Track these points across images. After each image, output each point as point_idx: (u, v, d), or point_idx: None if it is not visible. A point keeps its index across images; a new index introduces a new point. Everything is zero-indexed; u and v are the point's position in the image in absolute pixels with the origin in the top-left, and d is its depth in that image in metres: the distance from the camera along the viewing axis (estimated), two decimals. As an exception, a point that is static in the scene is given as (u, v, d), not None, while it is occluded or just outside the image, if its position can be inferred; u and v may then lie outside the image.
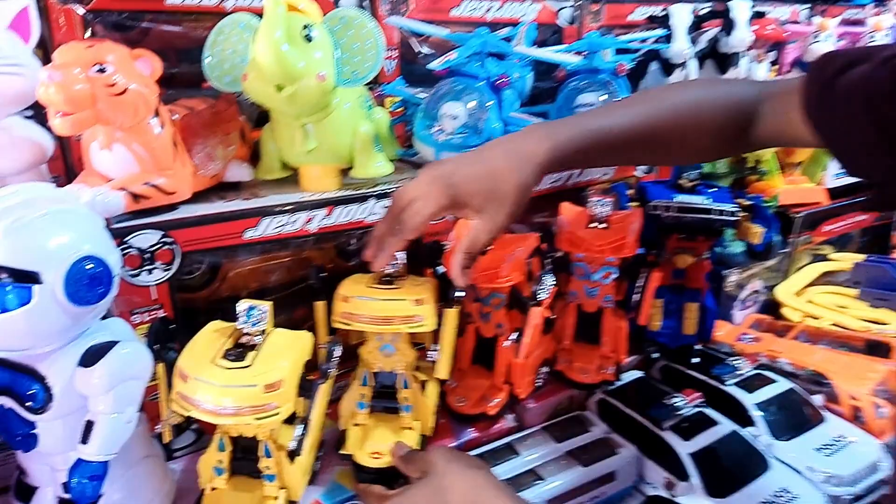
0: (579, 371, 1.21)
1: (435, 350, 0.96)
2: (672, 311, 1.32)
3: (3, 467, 0.92)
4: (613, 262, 1.17)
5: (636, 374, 1.30)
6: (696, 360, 1.30)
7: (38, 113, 0.95)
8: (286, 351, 0.83)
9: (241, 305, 0.84)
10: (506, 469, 1.05)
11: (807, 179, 1.70)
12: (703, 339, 1.34)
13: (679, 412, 1.15)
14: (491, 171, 0.74)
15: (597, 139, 0.79)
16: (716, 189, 1.28)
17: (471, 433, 1.11)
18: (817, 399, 1.23)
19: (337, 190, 1.09)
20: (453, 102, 1.16)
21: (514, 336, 1.10)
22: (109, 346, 0.77)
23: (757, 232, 1.18)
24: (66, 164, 1.08)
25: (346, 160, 1.10)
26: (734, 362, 1.27)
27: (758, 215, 1.23)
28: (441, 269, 1.09)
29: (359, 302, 0.90)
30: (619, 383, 1.25)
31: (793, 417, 1.18)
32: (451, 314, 0.95)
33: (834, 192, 1.76)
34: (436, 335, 0.95)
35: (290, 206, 1.00)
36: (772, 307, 1.65)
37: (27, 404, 0.75)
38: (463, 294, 0.92)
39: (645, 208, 1.24)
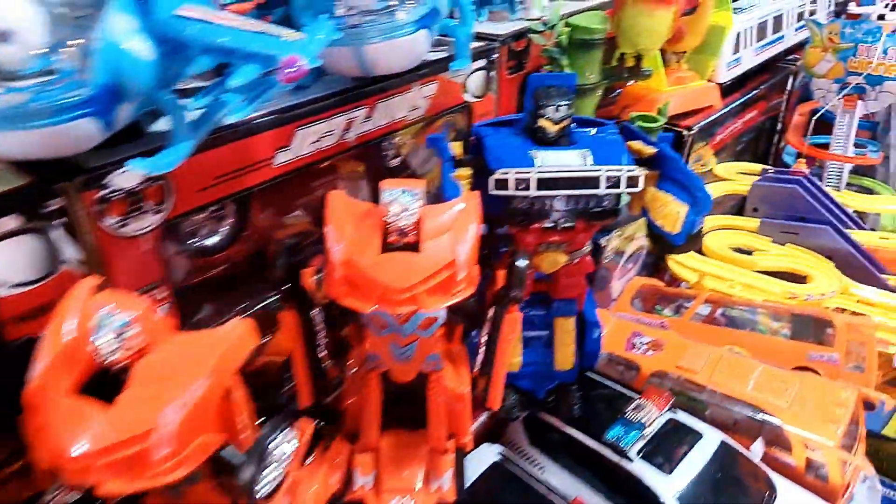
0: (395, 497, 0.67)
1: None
2: (533, 338, 0.81)
3: None
4: (437, 302, 0.62)
5: (488, 452, 0.79)
6: (578, 409, 0.83)
7: None
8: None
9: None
10: None
11: (694, 76, 1.20)
12: (587, 368, 0.86)
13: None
14: None
15: None
16: (595, 132, 0.75)
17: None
18: (756, 448, 0.81)
19: None
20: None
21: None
22: None
23: (674, 213, 0.67)
24: None
25: None
26: (635, 413, 0.80)
27: (669, 176, 0.71)
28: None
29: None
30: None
31: (734, 498, 0.74)
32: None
33: (726, 89, 1.31)
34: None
35: None
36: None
37: None
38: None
39: (482, 176, 0.68)
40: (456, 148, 0.73)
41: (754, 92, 1.37)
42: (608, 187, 0.66)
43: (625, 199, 0.94)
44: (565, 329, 0.81)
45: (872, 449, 0.92)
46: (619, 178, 0.66)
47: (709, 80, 1.23)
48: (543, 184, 0.65)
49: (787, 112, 1.63)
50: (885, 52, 1.40)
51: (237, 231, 0.67)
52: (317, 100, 0.67)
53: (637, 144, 0.75)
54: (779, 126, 1.63)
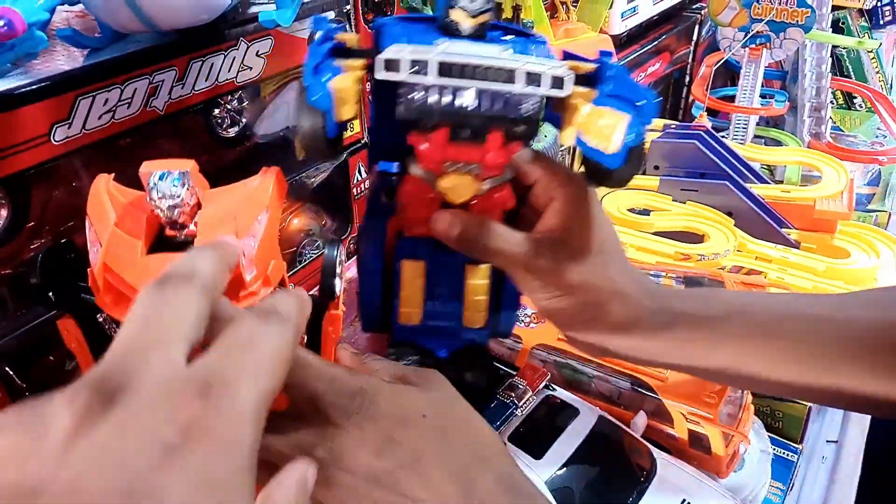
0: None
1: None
2: (440, 285, 0.67)
3: None
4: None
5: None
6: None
7: None
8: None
9: None
10: None
11: (585, 27, 1.13)
12: (501, 333, 0.74)
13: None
14: None
15: None
16: (516, 35, 0.58)
17: None
18: (639, 421, 0.76)
19: None
20: None
21: None
22: None
23: (610, 125, 0.49)
24: None
25: None
26: (507, 393, 0.74)
27: (610, 95, 0.54)
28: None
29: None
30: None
31: (613, 482, 0.70)
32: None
33: (622, 41, 1.24)
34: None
35: None
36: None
37: None
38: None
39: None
40: (349, 39, 0.51)
41: (654, 44, 1.31)
42: (527, 84, 0.47)
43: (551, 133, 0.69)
44: (477, 276, 0.67)
45: (767, 409, 0.89)
46: (540, 74, 0.47)
47: (601, 31, 1.16)
48: (446, 69, 0.46)
49: (694, 63, 1.58)
50: (786, -4, 1.36)
51: (15, 224, 0.57)
52: (103, 63, 0.57)
53: (571, 62, 0.60)
54: (687, 79, 1.58)
